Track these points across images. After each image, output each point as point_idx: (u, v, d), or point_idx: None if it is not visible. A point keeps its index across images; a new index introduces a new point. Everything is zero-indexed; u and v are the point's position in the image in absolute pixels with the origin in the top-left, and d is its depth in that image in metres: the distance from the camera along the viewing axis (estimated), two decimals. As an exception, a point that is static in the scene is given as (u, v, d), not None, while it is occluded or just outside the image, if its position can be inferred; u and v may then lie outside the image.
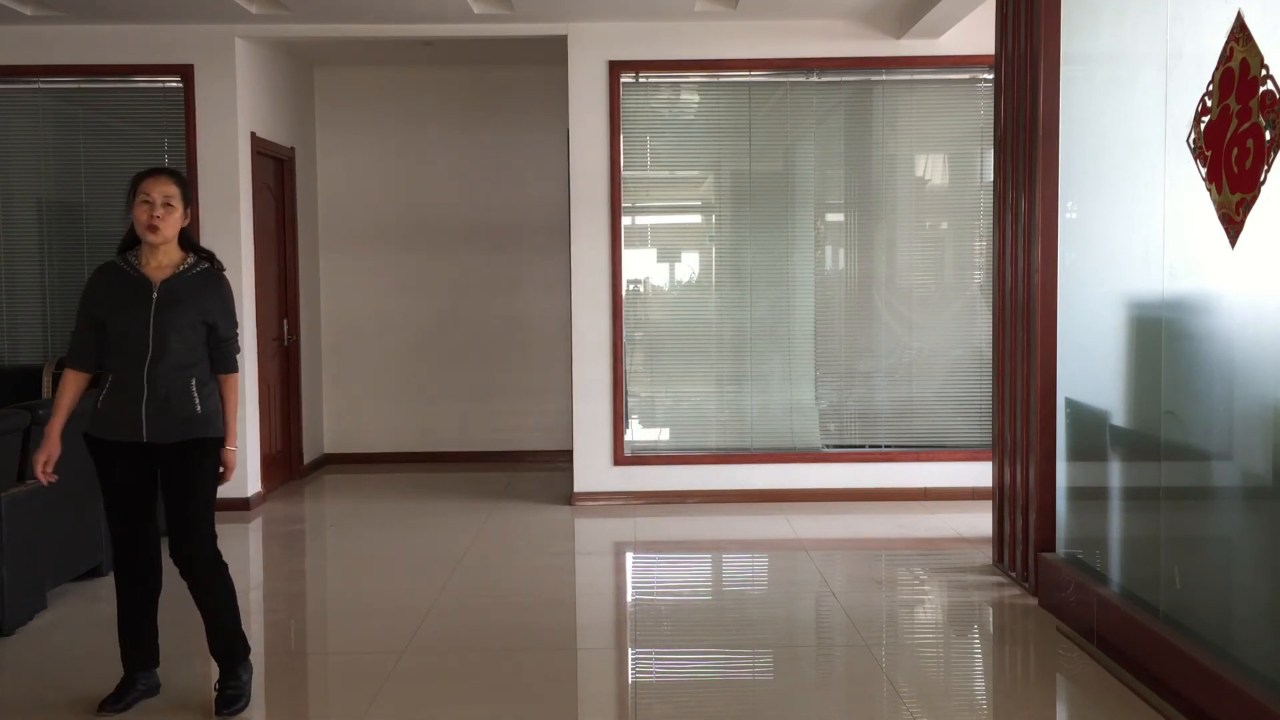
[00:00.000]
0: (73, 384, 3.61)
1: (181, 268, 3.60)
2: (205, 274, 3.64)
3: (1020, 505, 4.94)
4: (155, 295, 3.52)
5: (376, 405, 8.25)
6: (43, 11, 6.30)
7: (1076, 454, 4.63)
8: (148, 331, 3.50)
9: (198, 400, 3.57)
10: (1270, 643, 3.19)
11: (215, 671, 3.73)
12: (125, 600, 3.66)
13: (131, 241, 3.63)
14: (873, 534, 6.17)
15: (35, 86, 6.78)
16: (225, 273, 3.72)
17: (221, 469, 3.67)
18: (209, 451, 3.61)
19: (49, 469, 3.59)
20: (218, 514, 3.71)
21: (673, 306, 7.14)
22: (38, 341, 6.86)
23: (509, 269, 8.21)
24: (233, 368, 3.69)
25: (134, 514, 3.62)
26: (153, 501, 3.66)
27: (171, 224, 3.55)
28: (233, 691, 3.65)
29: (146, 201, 3.52)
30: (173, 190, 3.55)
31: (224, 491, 6.51)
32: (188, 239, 3.65)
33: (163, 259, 3.58)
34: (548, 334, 8.15)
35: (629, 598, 5.16)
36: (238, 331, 3.73)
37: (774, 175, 7.04)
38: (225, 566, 3.68)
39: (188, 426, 3.56)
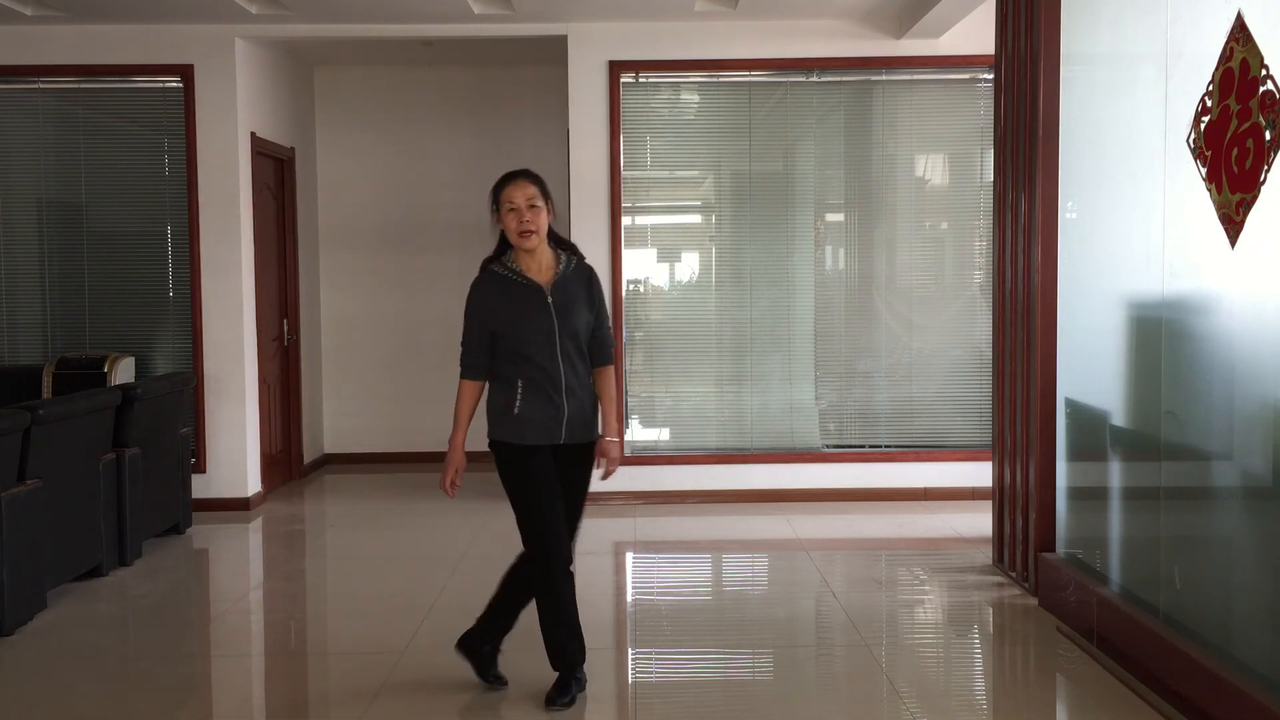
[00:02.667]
0: (471, 395, 3.64)
1: (561, 267, 3.59)
2: (581, 269, 3.65)
3: (1020, 505, 4.94)
4: (551, 301, 3.52)
5: (376, 405, 8.25)
6: (43, 11, 6.30)
7: (1076, 454, 4.63)
8: (554, 338, 3.51)
9: (593, 397, 3.65)
10: (1270, 643, 3.19)
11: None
12: (558, 593, 3.57)
13: (503, 248, 3.61)
14: (873, 534, 6.17)
15: (35, 86, 6.78)
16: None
17: (603, 462, 3.70)
18: (593, 449, 3.69)
19: (458, 481, 3.60)
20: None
21: (673, 306, 7.14)
22: (38, 341, 6.85)
23: (509, 269, 8.20)
24: (610, 359, 3.72)
25: (558, 503, 3.57)
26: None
27: (541, 224, 3.53)
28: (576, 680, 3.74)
29: (513, 209, 3.50)
30: (533, 191, 3.52)
31: (224, 491, 6.61)
32: (551, 233, 3.63)
33: (542, 261, 3.58)
34: (548, 334, 8.13)
35: (629, 598, 5.16)
36: (610, 324, 3.75)
37: (774, 175, 7.03)
38: None
39: (593, 426, 3.64)
